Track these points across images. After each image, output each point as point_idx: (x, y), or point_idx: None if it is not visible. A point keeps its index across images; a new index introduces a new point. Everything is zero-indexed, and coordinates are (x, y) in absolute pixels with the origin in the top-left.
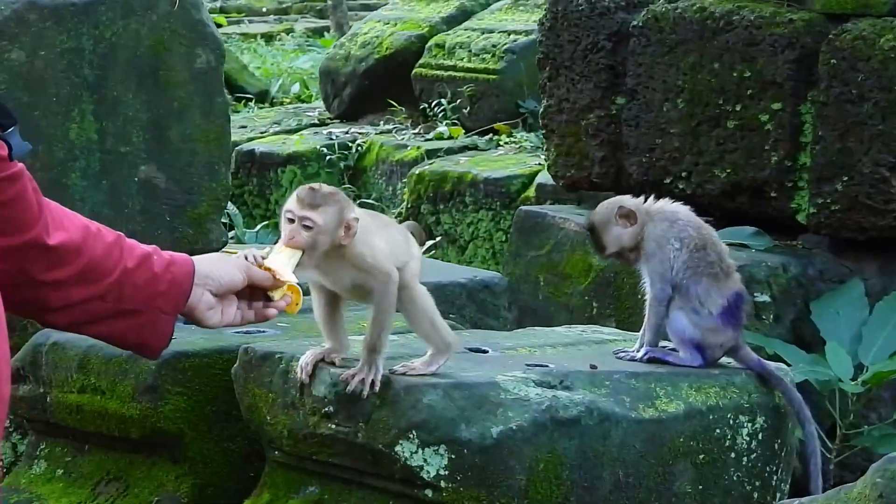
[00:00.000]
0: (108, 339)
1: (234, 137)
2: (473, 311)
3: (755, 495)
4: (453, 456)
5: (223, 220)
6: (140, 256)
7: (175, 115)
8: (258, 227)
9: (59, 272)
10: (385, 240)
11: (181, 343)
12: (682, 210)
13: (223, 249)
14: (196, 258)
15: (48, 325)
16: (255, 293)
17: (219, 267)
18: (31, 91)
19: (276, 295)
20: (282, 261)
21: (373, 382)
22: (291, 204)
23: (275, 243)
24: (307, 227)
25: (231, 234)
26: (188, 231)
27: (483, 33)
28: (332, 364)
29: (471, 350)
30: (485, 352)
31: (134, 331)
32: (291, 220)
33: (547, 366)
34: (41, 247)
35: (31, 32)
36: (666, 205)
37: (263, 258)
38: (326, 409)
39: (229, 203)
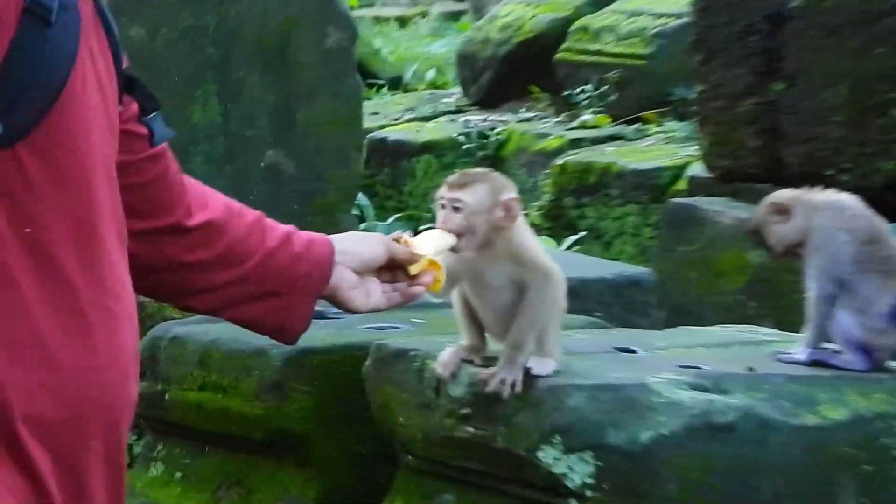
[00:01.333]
0: (245, 322)
1: (365, 124)
2: (621, 309)
3: None
4: (600, 463)
5: (354, 212)
6: (281, 236)
7: (303, 97)
8: (390, 219)
9: (203, 253)
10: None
11: (307, 338)
12: (850, 199)
13: None
14: (334, 236)
15: (186, 309)
16: (396, 274)
17: (358, 242)
18: (151, 71)
19: (414, 270)
20: (426, 240)
21: (514, 383)
22: (441, 189)
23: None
24: (456, 209)
25: (362, 226)
26: (317, 220)
27: (630, 16)
28: (471, 363)
29: (618, 349)
30: (633, 352)
31: (273, 314)
32: (443, 206)
33: (700, 367)
34: (183, 229)
35: (152, 8)
36: (831, 194)
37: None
38: (464, 410)
39: (360, 193)
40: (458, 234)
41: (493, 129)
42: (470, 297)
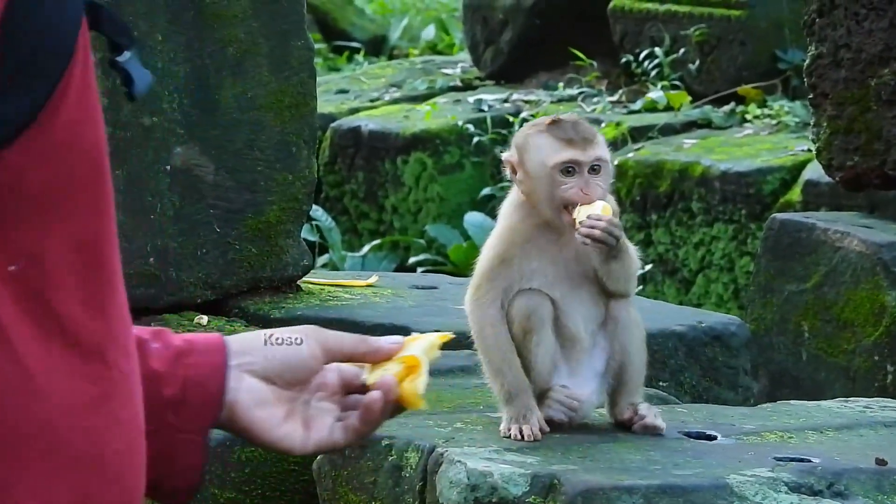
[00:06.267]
0: None
1: (328, 107)
2: (696, 376)
3: None
4: None
5: (307, 237)
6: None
7: (228, 66)
8: (365, 248)
9: None
10: None
11: None
12: None
13: (304, 279)
14: (230, 337)
15: None
16: (347, 383)
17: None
18: None
19: (371, 378)
20: (417, 341)
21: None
22: (565, 152)
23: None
24: (596, 170)
25: (323, 258)
26: (249, 250)
27: None
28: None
29: (689, 434)
30: (712, 438)
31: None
32: (570, 172)
33: (809, 460)
34: None
35: None
36: None
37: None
38: None
39: (317, 208)
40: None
41: (516, 113)
42: (561, 305)
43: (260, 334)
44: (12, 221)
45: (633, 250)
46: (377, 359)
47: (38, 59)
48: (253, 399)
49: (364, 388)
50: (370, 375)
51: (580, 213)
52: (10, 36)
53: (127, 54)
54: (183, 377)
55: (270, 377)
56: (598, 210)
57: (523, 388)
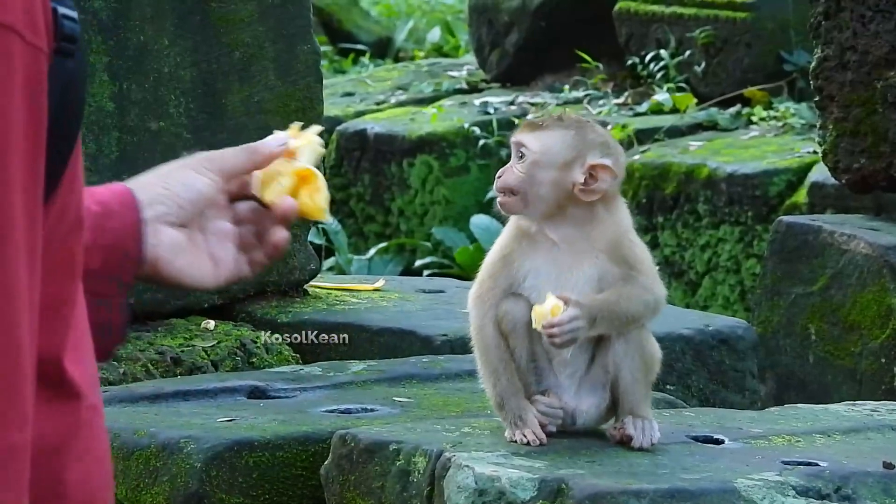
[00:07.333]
0: None
1: (333, 110)
2: (704, 380)
3: None
4: None
5: (314, 240)
6: None
7: (235, 71)
8: (371, 251)
9: None
10: None
11: (241, 427)
12: None
13: (311, 283)
14: (132, 183)
15: None
16: (241, 217)
17: (173, 179)
18: None
19: (269, 193)
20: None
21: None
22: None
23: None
24: (522, 157)
25: (329, 261)
26: None
27: None
28: None
29: (697, 438)
30: (720, 442)
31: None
32: (509, 156)
33: (817, 464)
34: None
35: None
36: None
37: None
38: None
39: None
40: (512, 192)
41: (522, 115)
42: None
43: (159, 178)
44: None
45: (632, 293)
46: (265, 164)
47: (68, 121)
48: (173, 251)
49: (256, 199)
50: (264, 189)
51: (535, 313)
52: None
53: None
54: (104, 246)
55: (184, 222)
56: (547, 309)
57: (513, 392)
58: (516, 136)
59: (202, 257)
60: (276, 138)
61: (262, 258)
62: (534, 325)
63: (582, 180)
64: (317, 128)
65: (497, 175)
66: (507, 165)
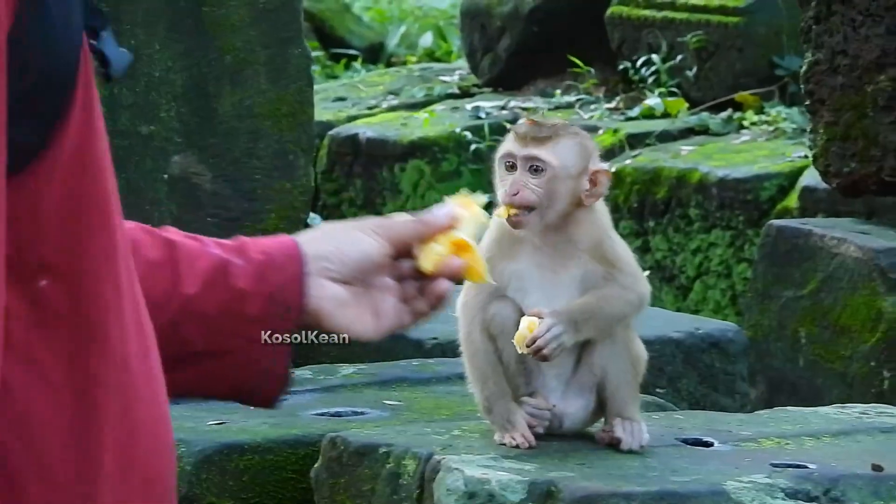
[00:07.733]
0: (184, 392)
1: (325, 115)
2: (693, 383)
3: None
4: None
5: None
6: (207, 271)
7: (226, 75)
8: None
9: None
10: None
11: (232, 431)
12: None
13: None
14: (300, 238)
15: None
16: (404, 274)
17: (338, 237)
18: None
19: (428, 264)
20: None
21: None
22: (509, 144)
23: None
24: (536, 171)
25: None
26: None
27: None
28: None
29: (686, 441)
30: (709, 444)
31: (224, 377)
32: (511, 167)
33: (806, 467)
34: None
35: None
36: None
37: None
38: None
39: (314, 216)
40: (530, 208)
41: (514, 120)
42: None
43: (327, 234)
44: (34, 243)
45: (612, 294)
46: (433, 236)
47: (47, 83)
48: (336, 304)
49: (418, 272)
50: (422, 259)
51: (516, 340)
52: (18, 60)
53: (103, 34)
54: (267, 294)
55: (347, 280)
56: (525, 330)
57: (501, 396)
58: (527, 151)
59: (364, 312)
60: (444, 210)
61: (425, 308)
62: (519, 351)
63: (588, 187)
64: (482, 199)
65: (510, 192)
66: (516, 181)
